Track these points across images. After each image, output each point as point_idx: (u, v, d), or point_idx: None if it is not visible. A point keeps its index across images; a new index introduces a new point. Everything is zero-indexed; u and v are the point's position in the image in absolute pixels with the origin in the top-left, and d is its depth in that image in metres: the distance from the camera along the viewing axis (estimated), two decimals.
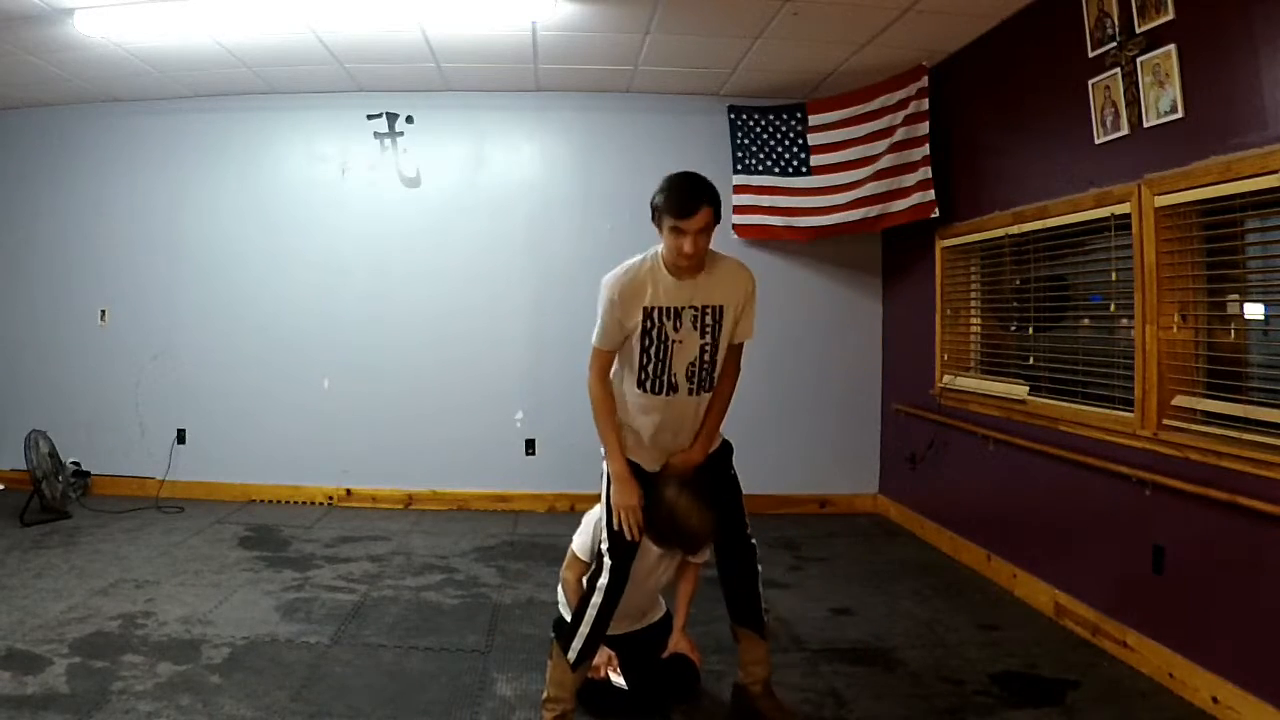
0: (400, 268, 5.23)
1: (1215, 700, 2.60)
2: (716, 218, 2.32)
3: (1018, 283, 3.92)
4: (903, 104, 4.51)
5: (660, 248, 2.38)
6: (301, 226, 5.25)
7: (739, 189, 5.03)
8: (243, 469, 5.26)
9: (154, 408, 5.30)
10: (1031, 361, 3.79)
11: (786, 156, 4.97)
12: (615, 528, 2.40)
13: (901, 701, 2.71)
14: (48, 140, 5.33)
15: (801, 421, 5.25)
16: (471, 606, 3.54)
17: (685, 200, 2.25)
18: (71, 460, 5.13)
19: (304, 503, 5.23)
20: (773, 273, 5.15)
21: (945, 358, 4.51)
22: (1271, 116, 2.47)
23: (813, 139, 4.90)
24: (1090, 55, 3.19)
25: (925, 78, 4.43)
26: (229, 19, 4.00)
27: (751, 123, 5.04)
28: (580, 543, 2.73)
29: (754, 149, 5.03)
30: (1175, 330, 2.89)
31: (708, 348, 2.40)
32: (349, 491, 5.25)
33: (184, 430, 5.30)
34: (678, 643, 2.71)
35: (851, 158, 4.76)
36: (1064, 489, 3.43)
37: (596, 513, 2.72)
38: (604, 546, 2.43)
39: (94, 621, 3.20)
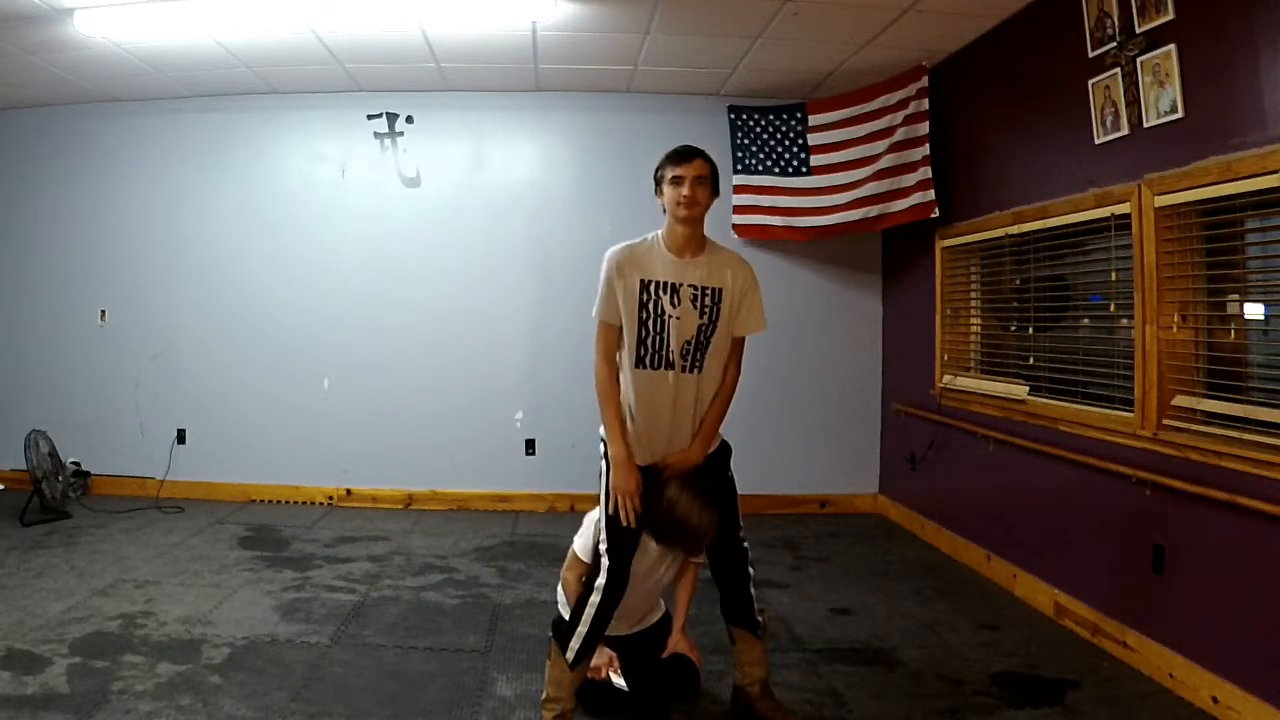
0: (400, 268, 5.22)
1: (1215, 700, 2.60)
2: (715, 185, 2.45)
3: (1018, 283, 3.92)
4: (903, 104, 4.51)
5: (662, 230, 2.46)
6: (301, 226, 5.25)
7: (739, 189, 5.03)
8: (243, 469, 5.26)
9: (154, 408, 5.30)
10: (1031, 361, 3.79)
11: (786, 156, 4.97)
12: (611, 513, 2.41)
13: (901, 701, 2.71)
14: (48, 140, 5.33)
15: (801, 421, 5.25)
16: (471, 606, 3.54)
17: (683, 150, 2.45)
18: (71, 460, 5.13)
19: (304, 503, 5.23)
20: (773, 273, 5.14)
21: (945, 358, 4.52)
22: (1271, 116, 2.47)
23: (813, 139, 4.90)
24: (1090, 55, 3.19)
25: (925, 78, 4.43)
26: (229, 19, 4.00)
27: (751, 123, 5.04)
28: (581, 544, 2.72)
29: (754, 149, 5.03)
30: (1175, 330, 2.89)
31: (705, 328, 2.42)
32: (349, 491, 5.25)
33: (184, 430, 5.30)
34: (677, 643, 2.70)
35: (851, 158, 4.76)
36: (1064, 489, 3.43)
37: (597, 514, 2.72)
38: (602, 546, 2.43)
39: (94, 621, 3.20)
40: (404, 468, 5.23)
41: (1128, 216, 3.04)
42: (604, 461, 2.47)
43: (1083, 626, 3.26)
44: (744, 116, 5.05)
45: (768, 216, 5.01)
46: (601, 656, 2.60)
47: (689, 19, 4.01)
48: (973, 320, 4.42)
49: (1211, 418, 2.77)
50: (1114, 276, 3.23)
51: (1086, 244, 3.46)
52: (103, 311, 5.35)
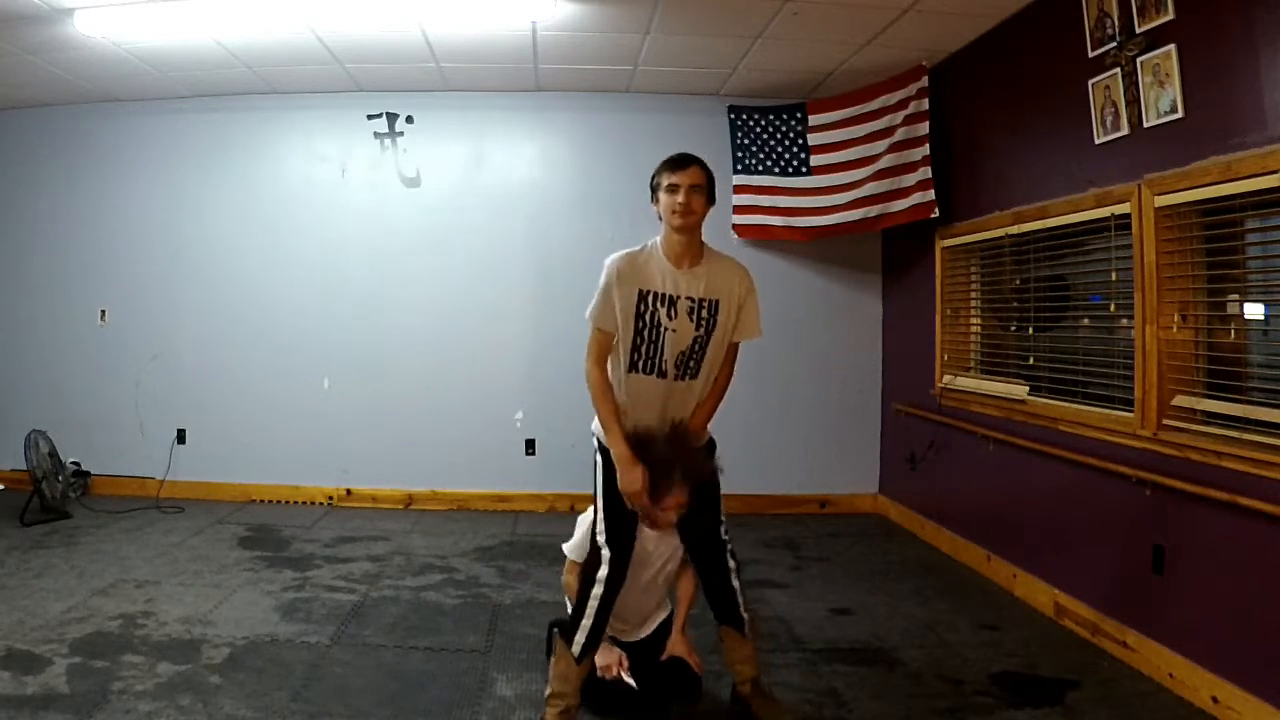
0: (400, 268, 5.23)
1: (1215, 700, 2.60)
2: (711, 192, 2.43)
3: (1018, 283, 3.92)
4: (903, 104, 4.51)
5: (659, 238, 2.46)
6: (301, 226, 5.25)
7: (739, 189, 5.03)
8: (243, 469, 5.26)
9: (154, 408, 5.30)
10: (1031, 361, 3.79)
11: (786, 156, 4.97)
12: (608, 504, 2.42)
13: (901, 701, 2.71)
14: (48, 140, 5.33)
15: (802, 421, 5.25)
16: (471, 606, 3.54)
17: (678, 157, 2.43)
18: (71, 460, 5.13)
19: (304, 503, 5.23)
20: (773, 273, 5.16)
21: (945, 358, 4.52)
22: (1271, 116, 2.47)
23: (813, 139, 4.90)
24: (1090, 55, 3.19)
25: (925, 78, 4.43)
26: (229, 19, 4.00)
27: (751, 123, 5.04)
28: (572, 547, 2.74)
29: (754, 149, 5.03)
30: (1175, 330, 2.89)
31: (700, 339, 2.44)
32: (349, 491, 5.25)
33: (184, 430, 5.31)
34: (675, 644, 2.70)
35: (851, 158, 4.76)
36: (1064, 489, 3.43)
37: (590, 515, 2.73)
38: (601, 538, 2.44)
39: (94, 621, 3.20)
40: (404, 468, 5.23)
41: (1128, 216, 3.04)
42: (597, 456, 2.51)
43: (1083, 626, 3.26)
44: (744, 116, 5.05)
45: (768, 216, 5.01)
46: (611, 655, 2.60)
47: (689, 19, 4.01)
48: (973, 320, 4.42)
49: (1211, 418, 2.77)
50: (1114, 276, 3.23)
51: (1086, 244, 3.46)
52: (103, 311, 5.35)
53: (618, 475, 2.41)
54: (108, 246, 5.31)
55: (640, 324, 2.41)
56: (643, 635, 2.77)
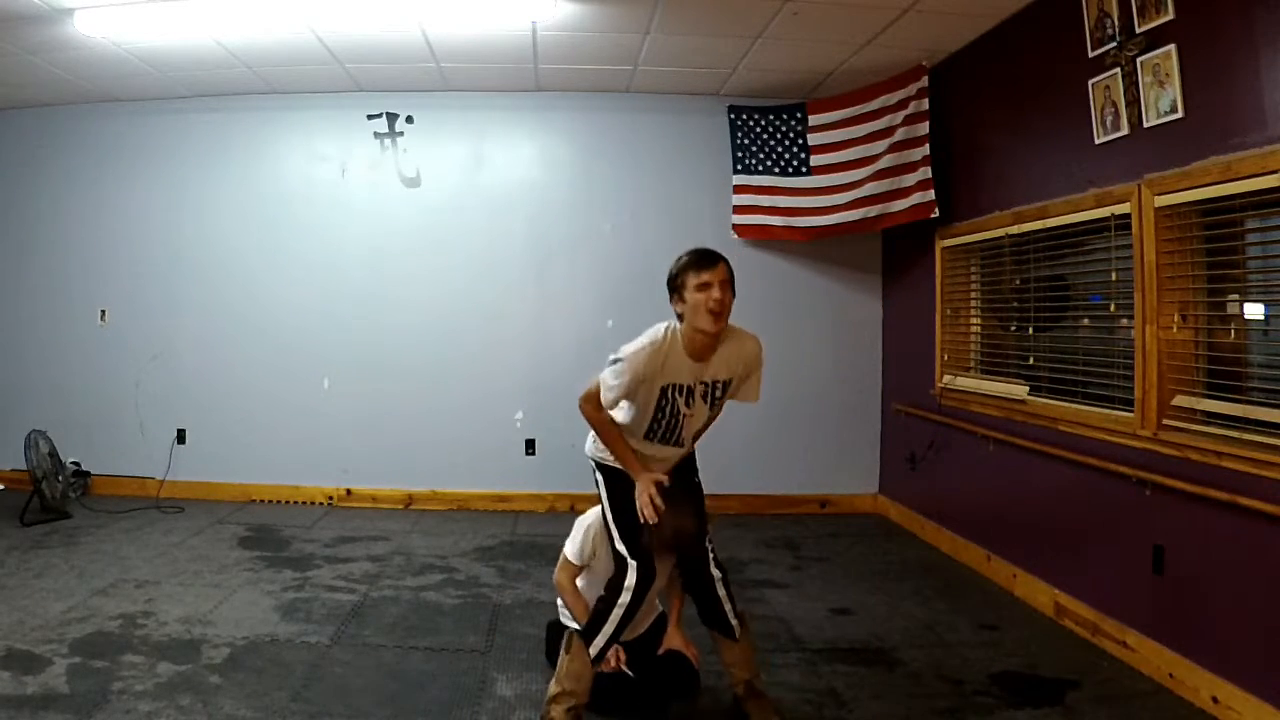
0: (400, 268, 5.23)
1: (1215, 700, 2.60)
2: (734, 285, 2.40)
3: (1017, 283, 3.92)
4: (903, 104, 4.51)
5: (675, 324, 2.42)
6: (302, 226, 5.25)
7: (739, 189, 5.03)
8: (243, 469, 5.26)
9: (154, 408, 5.30)
10: (1031, 361, 3.79)
11: (786, 156, 4.97)
12: (621, 520, 2.50)
13: (901, 701, 2.71)
14: (48, 140, 5.33)
15: (801, 421, 5.25)
16: (471, 606, 3.54)
17: (704, 253, 2.39)
18: (71, 460, 5.13)
19: (304, 503, 5.23)
20: (773, 273, 5.17)
21: (945, 358, 4.51)
22: (1271, 116, 2.47)
23: (813, 139, 4.90)
24: (1090, 55, 3.19)
25: (925, 78, 4.43)
26: (229, 19, 4.00)
27: (751, 123, 5.04)
28: (572, 548, 2.76)
29: (754, 149, 5.03)
30: (1175, 330, 2.89)
31: (713, 413, 2.61)
32: (349, 491, 5.25)
33: (184, 430, 5.31)
34: (672, 639, 2.72)
35: (851, 158, 4.76)
36: (1064, 489, 3.43)
37: (589, 518, 2.77)
38: (623, 550, 2.48)
39: (94, 621, 3.20)
40: (404, 468, 5.23)
41: (1128, 216, 3.04)
42: (598, 475, 2.61)
43: (1083, 626, 3.26)
44: (744, 116, 5.05)
45: (767, 216, 5.01)
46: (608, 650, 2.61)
47: (689, 19, 4.01)
48: (973, 320, 4.42)
49: (1211, 418, 2.77)
50: (1114, 276, 3.23)
51: (1086, 244, 3.46)
52: (103, 311, 5.35)
53: (637, 486, 2.46)
54: (108, 246, 5.31)
55: (660, 414, 2.47)
56: (639, 633, 2.77)
